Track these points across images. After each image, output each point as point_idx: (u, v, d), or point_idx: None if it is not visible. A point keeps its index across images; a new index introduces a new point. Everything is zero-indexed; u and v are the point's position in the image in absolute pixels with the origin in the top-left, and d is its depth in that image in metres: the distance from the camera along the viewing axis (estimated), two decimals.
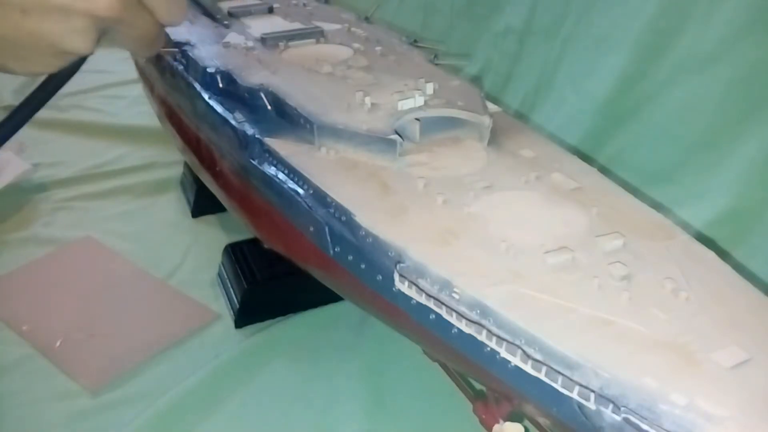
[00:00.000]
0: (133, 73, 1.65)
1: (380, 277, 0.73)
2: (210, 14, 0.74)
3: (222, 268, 1.19)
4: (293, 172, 0.85)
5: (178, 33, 1.16)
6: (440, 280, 0.66)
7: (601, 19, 1.23)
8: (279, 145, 0.88)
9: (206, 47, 1.11)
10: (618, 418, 0.53)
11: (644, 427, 0.51)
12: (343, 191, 0.79)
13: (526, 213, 0.74)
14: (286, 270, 1.03)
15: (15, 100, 1.94)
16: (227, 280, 1.16)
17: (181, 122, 1.22)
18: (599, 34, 1.23)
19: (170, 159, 1.58)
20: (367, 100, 0.88)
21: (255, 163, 0.91)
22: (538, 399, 0.61)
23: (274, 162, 0.88)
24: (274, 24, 1.22)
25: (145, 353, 1.05)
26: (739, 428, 0.49)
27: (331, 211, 0.78)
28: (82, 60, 0.59)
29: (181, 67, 1.13)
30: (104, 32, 0.56)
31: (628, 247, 0.68)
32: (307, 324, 1.10)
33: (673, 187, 1.08)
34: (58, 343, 1.07)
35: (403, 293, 0.70)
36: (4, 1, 0.50)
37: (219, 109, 1.00)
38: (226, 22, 0.78)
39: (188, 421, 0.93)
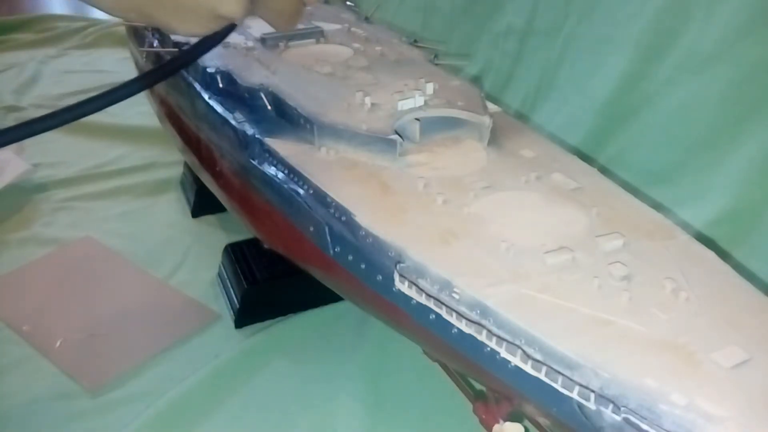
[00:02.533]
0: (133, 73, 1.65)
1: (380, 277, 0.73)
2: None
3: (222, 268, 1.19)
4: (293, 172, 0.85)
5: None
6: (440, 280, 0.66)
7: (602, 19, 1.23)
8: (279, 145, 0.88)
9: None
10: (618, 418, 0.53)
11: (644, 427, 0.51)
12: (343, 191, 0.79)
13: (526, 213, 0.74)
14: (286, 270, 1.03)
15: (15, 101, 1.94)
16: (227, 280, 1.16)
17: (181, 122, 1.22)
18: (600, 35, 1.23)
19: (170, 159, 1.58)
20: (367, 100, 0.88)
21: (255, 163, 0.91)
22: (538, 399, 0.61)
23: (274, 162, 0.88)
24: None
25: (145, 353, 1.05)
26: (739, 428, 0.49)
27: (331, 211, 0.78)
28: (230, 27, 0.68)
29: None
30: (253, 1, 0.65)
31: (628, 247, 0.68)
32: (307, 324, 1.10)
33: (673, 187, 1.08)
34: (58, 343, 1.07)
35: (403, 293, 0.70)
36: None
37: (219, 109, 1.00)
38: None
39: (188, 421, 0.93)
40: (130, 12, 0.65)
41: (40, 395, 0.99)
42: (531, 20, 1.39)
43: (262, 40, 1.12)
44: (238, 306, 1.11)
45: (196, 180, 1.36)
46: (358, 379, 1.00)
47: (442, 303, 0.66)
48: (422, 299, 0.68)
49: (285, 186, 0.86)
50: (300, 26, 1.19)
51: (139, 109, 1.79)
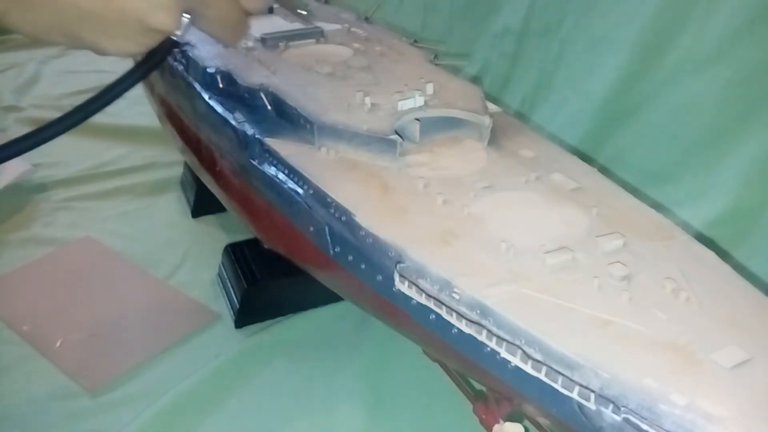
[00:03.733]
0: None
1: (380, 277, 0.73)
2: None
3: (222, 268, 1.19)
4: (293, 172, 0.85)
5: None
6: (440, 280, 0.66)
7: (599, 19, 1.23)
8: (279, 145, 0.88)
9: (206, 47, 1.11)
10: (618, 418, 0.53)
11: (644, 427, 0.51)
12: (343, 191, 0.79)
13: (526, 213, 0.75)
14: (286, 270, 1.03)
15: (15, 101, 1.94)
16: (227, 280, 1.16)
17: (181, 122, 1.22)
18: (598, 35, 1.23)
19: (170, 159, 1.58)
20: (367, 100, 0.88)
21: (255, 163, 0.91)
22: (538, 399, 0.61)
23: (274, 162, 0.88)
24: (274, 24, 1.22)
25: (145, 353, 1.05)
26: (739, 428, 0.49)
27: (331, 211, 0.78)
28: (170, 43, 0.63)
29: (181, 67, 1.13)
30: (191, 13, 0.61)
31: (628, 247, 0.68)
32: (307, 324, 1.10)
33: (673, 187, 1.08)
34: (58, 343, 1.07)
35: (403, 293, 0.70)
36: None
37: (219, 109, 1.00)
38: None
39: (188, 421, 0.93)
40: (54, 35, 0.60)
41: (40, 395, 0.99)
42: (528, 21, 1.38)
43: (262, 40, 1.12)
44: (238, 306, 1.11)
45: (196, 180, 1.36)
46: (358, 378, 1.00)
47: (442, 303, 0.66)
48: (422, 299, 0.68)
49: (285, 186, 0.86)
50: (300, 26, 1.19)
51: (139, 109, 1.79)
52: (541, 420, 0.72)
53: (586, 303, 0.60)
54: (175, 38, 0.62)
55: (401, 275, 0.69)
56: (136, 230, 1.38)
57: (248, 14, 0.66)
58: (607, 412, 0.54)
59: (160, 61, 0.65)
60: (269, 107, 0.93)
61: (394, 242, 0.71)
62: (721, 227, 0.99)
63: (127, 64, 0.70)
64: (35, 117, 1.84)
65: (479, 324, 0.63)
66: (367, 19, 1.30)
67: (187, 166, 1.47)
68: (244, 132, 0.93)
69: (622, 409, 0.53)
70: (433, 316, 0.68)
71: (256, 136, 0.91)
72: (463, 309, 0.64)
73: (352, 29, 1.21)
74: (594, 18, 1.24)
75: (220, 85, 1.02)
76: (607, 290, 0.62)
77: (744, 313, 0.60)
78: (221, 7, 0.63)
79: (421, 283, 0.68)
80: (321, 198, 0.80)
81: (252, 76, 0.98)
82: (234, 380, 0.99)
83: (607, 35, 1.21)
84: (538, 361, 0.58)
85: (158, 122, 1.49)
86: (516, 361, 0.60)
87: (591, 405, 0.55)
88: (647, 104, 1.14)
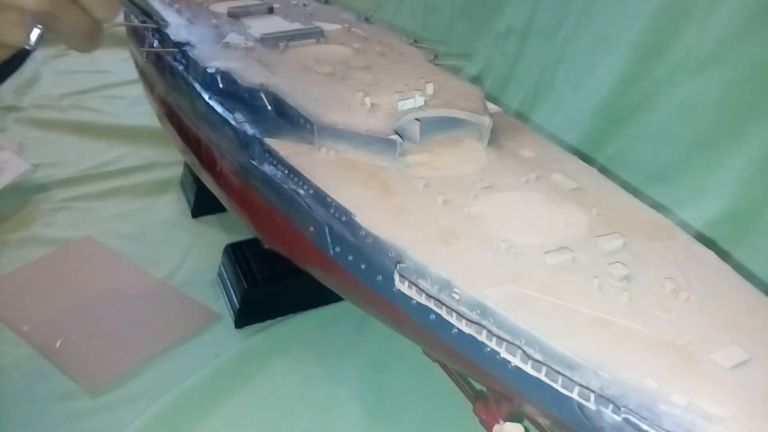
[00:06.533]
0: (133, 74, 1.65)
1: (380, 277, 0.73)
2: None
3: (222, 268, 1.19)
4: (293, 172, 0.85)
5: (178, 33, 1.16)
6: (440, 280, 0.66)
7: (600, 19, 1.23)
8: (279, 145, 0.88)
9: (206, 47, 1.11)
10: (618, 418, 0.53)
11: (644, 427, 0.51)
12: (343, 191, 0.79)
13: (527, 213, 0.74)
14: (286, 270, 1.03)
15: (15, 101, 1.94)
16: (227, 280, 1.16)
17: (181, 122, 1.22)
18: (599, 34, 1.23)
19: (170, 159, 1.58)
20: (367, 100, 0.88)
21: (255, 163, 0.91)
22: (538, 399, 0.61)
23: (274, 162, 0.88)
24: (274, 24, 1.22)
25: (145, 353, 1.05)
26: (739, 428, 0.49)
27: (331, 211, 0.78)
28: (23, 53, 0.65)
29: (181, 67, 1.13)
30: (44, 26, 0.62)
31: (628, 247, 0.68)
32: (307, 324, 1.10)
33: (673, 187, 1.08)
34: (58, 343, 1.07)
35: (403, 293, 0.70)
36: None
37: (219, 109, 1.00)
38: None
39: (188, 421, 0.93)
40: None
41: (40, 395, 0.99)
42: (531, 20, 1.39)
43: (262, 40, 1.12)
44: (238, 306, 1.11)
45: (196, 180, 1.36)
46: (358, 379, 1.00)
47: (442, 303, 0.66)
48: (422, 299, 0.68)
49: (285, 186, 0.86)
50: (300, 26, 1.19)
51: (139, 109, 1.79)
52: (541, 420, 0.72)
53: (586, 303, 0.60)
54: (28, 48, 0.63)
55: (401, 275, 0.69)
56: (136, 230, 1.38)
57: (100, 23, 0.66)
58: (607, 412, 0.54)
59: (14, 69, 0.69)
60: (269, 107, 0.93)
61: (394, 242, 0.71)
62: (721, 227, 0.99)
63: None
64: (35, 117, 1.84)
65: (479, 324, 0.63)
66: (367, 19, 1.30)
67: (187, 166, 1.47)
68: (244, 132, 0.93)
69: (622, 409, 0.53)
70: (433, 316, 0.68)
71: (256, 136, 0.91)
72: (463, 309, 0.64)
73: (352, 29, 1.21)
74: (595, 17, 1.24)
75: (220, 85, 1.02)
76: (607, 290, 0.62)
77: (744, 313, 0.60)
78: (71, 21, 0.63)
79: (421, 283, 0.68)
80: (321, 198, 0.80)
81: (252, 76, 0.98)
82: (234, 380, 0.99)
83: (608, 35, 1.21)
84: (538, 361, 0.58)
85: (158, 122, 1.49)
86: (516, 361, 0.60)
87: (591, 405, 0.55)
88: (647, 104, 1.14)
